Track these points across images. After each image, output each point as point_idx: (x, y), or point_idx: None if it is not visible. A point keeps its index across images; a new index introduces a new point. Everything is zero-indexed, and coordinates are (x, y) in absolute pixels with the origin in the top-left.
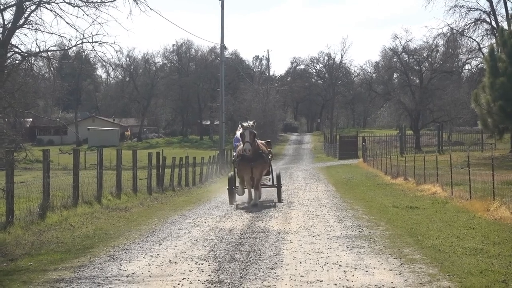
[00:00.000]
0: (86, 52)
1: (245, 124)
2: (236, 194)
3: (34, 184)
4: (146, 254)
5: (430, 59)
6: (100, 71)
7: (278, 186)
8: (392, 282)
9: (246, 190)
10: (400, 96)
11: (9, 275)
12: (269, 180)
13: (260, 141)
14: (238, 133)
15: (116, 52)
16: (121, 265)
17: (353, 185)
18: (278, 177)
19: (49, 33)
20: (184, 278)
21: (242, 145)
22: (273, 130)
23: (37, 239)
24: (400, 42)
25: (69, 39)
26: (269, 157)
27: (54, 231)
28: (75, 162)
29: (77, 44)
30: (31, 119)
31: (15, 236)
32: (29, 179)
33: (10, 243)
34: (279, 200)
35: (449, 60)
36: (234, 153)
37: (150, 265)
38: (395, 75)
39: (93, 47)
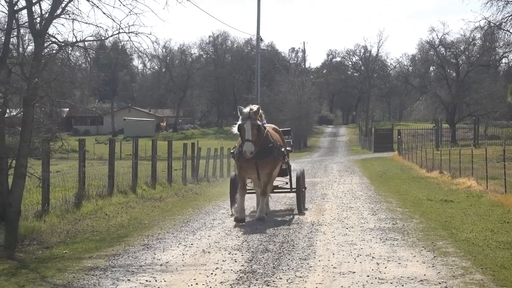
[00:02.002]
0: (122, 42)
1: (245, 110)
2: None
3: (70, 174)
4: (180, 243)
5: (467, 52)
6: (136, 62)
7: (298, 191)
8: (424, 275)
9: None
10: (436, 90)
11: (44, 263)
12: (287, 183)
13: (272, 127)
14: (234, 128)
15: (153, 43)
16: (155, 254)
17: (387, 178)
18: (299, 179)
19: (86, 23)
20: (217, 268)
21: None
22: (308, 122)
23: (72, 227)
24: (437, 35)
25: (106, 30)
26: (284, 150)
27: (89, 220)
28: (110, 152)
29: (114, 35)
30: (67, 109)
31: (50, 225)
32: (65, 168)
33: (45, 231)
34: (300, 210)
35: (486, 53)
36: (236, 144)
37: (183, 254)
38: (431, 68)
39: (129, 37)
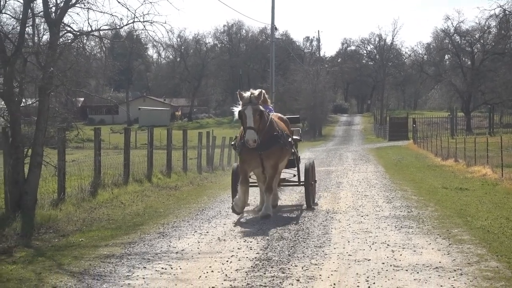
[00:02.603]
0: (137, 31)
1: (245, 94)
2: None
3: (86, 163)
4: (196, 231)
5: (482, 41)
6: (151, 51)
7: (307, 184)
8: (440, 262)
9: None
10: (451, 78)
11: (60, 251)
12: (294, 176)
13: (277, 116)
14: (236, 111)
15: (167, 32)
16: (171, 242)
17: (402, 166)
18: (307, 171)
19: (101, 12)
20: (232, 255)
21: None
22: (323, 111)
23: (88, 216)
24: (452, 23)
25: (121, 18)
26: (292, 140)
27: (105, 208)
28: (126, 141)
29: (129, 24)
30: (82, 99)
31: (66, 213)
32: (80, 157)
33: (61, 219)
34: (309, 205)
35: (502, 41)
36: (237, 135)
37: (199, 242)
38: (446, 57)
39: (144, 26)
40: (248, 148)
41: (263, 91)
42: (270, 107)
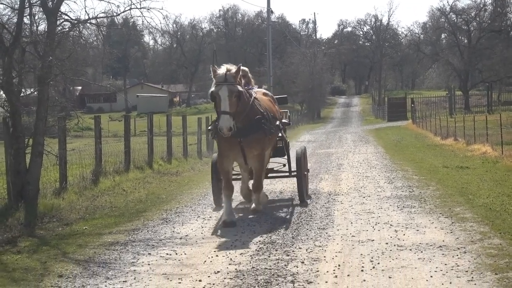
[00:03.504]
0: (134, 18)
1: (220, 71)
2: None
3: (86, 151)
4: (199, 217)
5: (478, 19)
6: (147, 38)
7: (299, 175)
8: (443, 241)
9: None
10: (448, 57)
11: (65, 239)
12: (284, 166)
13: (262, 93)
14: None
15: (164, 18)
16: (174, 228)
17: (402, 146)
18: (299, 159)
19: None
20: (236, 240)
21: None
22: (321, 93)
23: (91, 204)
24: (447, 2)
25: (118, 6)
26: (280, 123)
27: (107, 196)
28: (126, 128)
29: (126, 11)
30: (80, 87)
31: (69, 202)
32: (80, 146)
33: (64, 208)
34: (302, 199)
35: (498, 19)
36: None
37: (202, 227)
38: (443, 36)
39: (141, 13)
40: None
41: (245, 68)
42: (251, 87)
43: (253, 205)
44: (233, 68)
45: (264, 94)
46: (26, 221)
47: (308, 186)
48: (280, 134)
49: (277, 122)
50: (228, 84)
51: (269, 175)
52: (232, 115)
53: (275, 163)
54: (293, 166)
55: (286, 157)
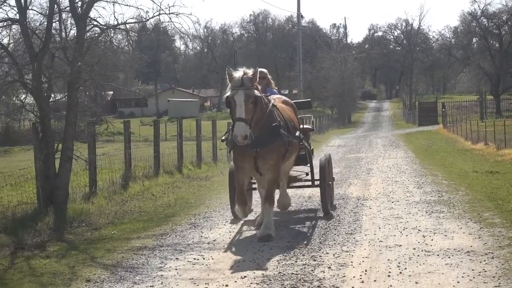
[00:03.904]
0: (164, 24)
1: (236, 74)
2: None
3: (116, 156)
4: (227, 221)
5: (509, 23)
6: (178, 43)
7: (323, 185)
8: (471, 246)
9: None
10: (479, 61)
11: (93, 244)
12: (307, 175)
13: (281, 100)
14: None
15: (193, 23)
16: (202, 233)
17: (432, 151)
18: (323, 168)
19: (127, 5)
20: (264, 244)
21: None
22: (352, 98)
23: (120, 208)
24: (478, 6)
25: (146, 11)
26: (300, 132)
27: (137, 200)
28: (155, 133)
29: (154, 16)
30: (112, 92)
31: (98, 206)
32: (110, 150)
33: (93, 213)
34: (326, 210)
35: None
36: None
37: (230, 232)
38: (474, 40)
39: (169, 18)
40: (241, 145)
41: (264, 70)
42: (274, 90)
43: (260, 230)
44: (250, 72)
45: (284, 102)
46: (55, 226)
47: (333, 196)
48: (300, 144)
49: (297, 132)
50: (245, 89)
51: (291, 184)
52: (248, 122)
53: (297, 171)
54: (317, 175)
55: (309, 165)
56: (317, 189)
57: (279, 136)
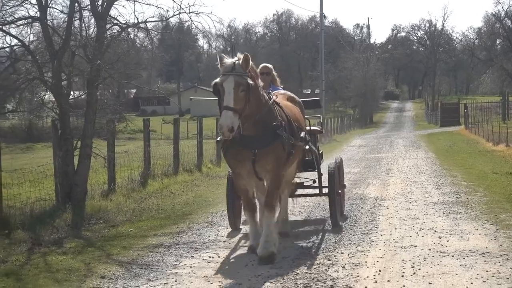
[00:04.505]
0: (186, 23)
1: (228, 60)
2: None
3: (137, 154)
4: (244, 220)
5: None
6: (201, 42)
7: (332, 193)
8: (486, 248)
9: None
10: (503, 62)
11: (110, 241)
12: (314, 182)
13: (286, 96)
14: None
15: (214, 22)
16: (219, 231)
17: (453, 152)
18: (331, 175)
19: (147, 4)
20: (279, 243)
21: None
22: (374, 98)
23: (138, 206)
24: (502, 8)
25: (167, 10)
26: (306, 133)
27: (155, 198)
28: (175, 131)
29: (175, 15)
30: (134, 90)
31: (116, 204)
32: (132, 148)
33: (112, 210)
34: (334, 221)
35: None
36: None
37: (247, 230)
38: (498, 41)
39: (190, 17)
40: (237, 144)
41: (269, 65)
42: (280, 88)
43: (260, 247)
44: (240, 56)
45: (290, 99)
46: (73, 223)
47: (343, 205)
48: (307, 147)
49: (302, 134)
50: (235, 74)
51: (297, 193)
52: (237, 112)
53: (304, 178)
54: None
55: (317, 172)
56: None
57: (278, 137)
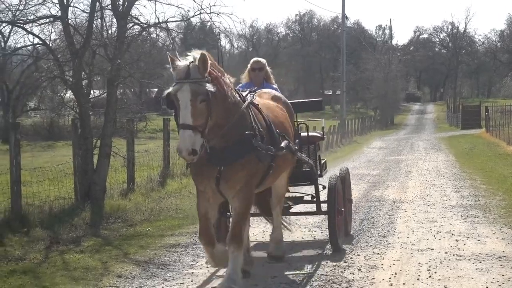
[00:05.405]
0: (208, 23)
1: (180, 62)
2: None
3: (157, 153)
4: (262, 220)
5: None
6: (223, 42)
7: (331, 212)
8: (503, 251)
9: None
10: None
11: (127, 240)
12: (313, 198)
13: (270, 95)
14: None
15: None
16: None
17: (473, 155)
18: (331, 190)
19: (168, 4)
20: (296, 244)
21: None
22: (395, 99)
23: (156, 205)
24: None
25: (188, 10)
26: (287, 142)
27: (174, 198)
28: None
29: (195, 15)
30: (156, 89)
31: (135, 203)
32: (152, 147)
33: (130, 209)
34: (335, 244)
35: None
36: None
37: (264, 231)
38: None
39: (210, 18)
40: (202, 158)
41: (261, 60)
42: (274, 87)
43: (227, 268)
44: (198, 55)
45: (274, 98)
46: (91, 221)
47: (350, 224)
48: (302, 156)
49: (283, 143)
50: (191, 82)
51: (292, 210)
52: (198, 130)
53: (302, 193)
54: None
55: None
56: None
57: (251, 148)
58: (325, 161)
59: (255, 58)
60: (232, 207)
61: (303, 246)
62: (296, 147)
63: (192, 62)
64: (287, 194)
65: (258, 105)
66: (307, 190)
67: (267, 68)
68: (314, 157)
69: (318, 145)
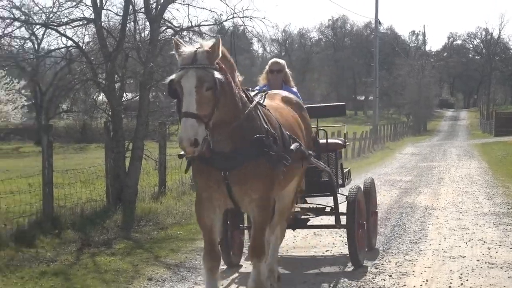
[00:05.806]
0: (241, 27)
1: (186, 49)
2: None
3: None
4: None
5: None
6: (256, 46)
7: (351, 226)
8: None
9: None
10: None
11: (158, 243)
12: (332, 210)
13: (279, 97)
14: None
15: (267, 27)
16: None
17: (507, 162)
18: (352, 203)
19: (201, 8)
20: (327, 250)
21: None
22: (428, 106)
23: (187, 209)
24: None
25: (220, 14)
26: (306, 147)
27: None
28: None
29: (228, 19)
30: None
31: (166, 206)
32: None
33: (161, 212)
34: (355, 260)
35: None
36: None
37: (295, 237)
38: None
39: (243, 22)
40: (201, 161)
41: (280, 61)
42: (294, 90)
43: (249, 280)
44: (206, 44)
45: (284, 99)
46: (123, 224)
47: (375, 238)
48: (319, 163)
49: (292, 146)
50: (198, 67)
51: (309, 223)
52: (203, 120)
53: (321, 205)
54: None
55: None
56: (383, 200)
57: (262, 152)
58: (349, 169)
59: (274, 59)
60: (250, 217)
61: (335, 249)
62: (309, 152)
63: (199, 47)
64: (305, 205)
65: (265, 106)
66: (329, 202)
67: (287, 70)
68: (335, 166)
69: (340, 153)
